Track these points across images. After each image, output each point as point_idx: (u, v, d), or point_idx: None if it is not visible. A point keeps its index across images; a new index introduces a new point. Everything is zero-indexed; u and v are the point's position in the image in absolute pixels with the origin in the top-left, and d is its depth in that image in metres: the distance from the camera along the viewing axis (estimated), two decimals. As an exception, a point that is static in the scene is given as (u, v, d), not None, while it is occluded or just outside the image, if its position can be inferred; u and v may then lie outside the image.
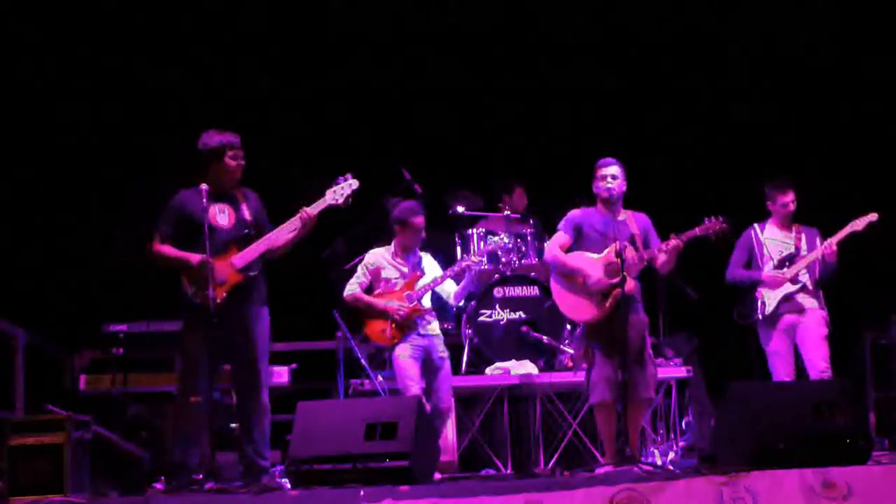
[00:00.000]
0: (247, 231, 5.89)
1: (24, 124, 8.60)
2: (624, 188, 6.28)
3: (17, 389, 7.14)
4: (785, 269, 6.94)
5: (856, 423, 5.39)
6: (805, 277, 6.96)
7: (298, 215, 5.87)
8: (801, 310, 6.93)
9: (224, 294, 5.72)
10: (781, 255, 7.00)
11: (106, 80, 8.81)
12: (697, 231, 6.10)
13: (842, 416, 5.32)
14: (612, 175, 6.25)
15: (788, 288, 6.92)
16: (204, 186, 5.79)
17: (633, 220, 6.30)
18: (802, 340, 6.91)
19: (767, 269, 6.99)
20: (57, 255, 8.53)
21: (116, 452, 6.51)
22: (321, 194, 5.93)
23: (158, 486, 6.05)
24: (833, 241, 6.84)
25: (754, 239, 7.11)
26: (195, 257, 5.75)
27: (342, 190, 5.93)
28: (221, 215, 5.90)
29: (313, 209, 5.88)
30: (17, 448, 5.70)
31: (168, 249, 5.87)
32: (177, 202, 5.94)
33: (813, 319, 6.91)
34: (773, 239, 7.09)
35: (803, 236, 7.04)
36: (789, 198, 7.05)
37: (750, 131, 9.25)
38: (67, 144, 8.73)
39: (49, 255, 8.53)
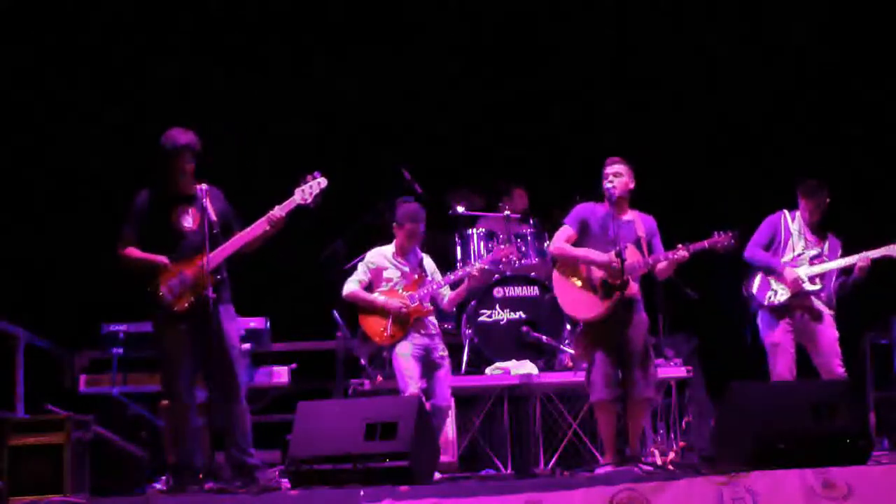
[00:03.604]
0: (214, 231, 5.79)
1: (25, 123, 8.59)
2: (630, 186, 6.24)
3: (17, 389, 7.14)
4: (810, 267, 6.78)
5: (856, 423, 5.40)
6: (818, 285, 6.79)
7: (266, 217, 5.80)
8: (810, 308, 6.79)
9: (194, 297, 5.70)
10: (806, 252, 6.82)
11: (106, 80, 8.81)
12: (706, 244, 6.09)
13: (842, 417, 5.32)
14: (613, 173, 6.20)
15: (808, 287, 6.75)
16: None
17: (641, 222, 6.27)
18: (817, 340, 6.76)
19: (786, 260, 6.82)
20: (57, 255, 8.52)
21: (116, 452, 6.51)
22: (290, 193, 5.85)
23: (158, 485, 6.05)
24: (870, 255, 6.66)
25: (783, 224, 6.91)
26: (165, 260, 5.75)
27: (310, 189, 5.83)
28: (186, 217, 5.85)
29: (281, 210, 5.80)
30: (17, 448, 5.69)
31: (135, 252, 5.82)
32: (139, 205, 5.88)
33: (826, 320, 6.78)
34: (800, 233, 6.88)
35: (827, 243, 6.87)
36: (818, 202, 6.82)
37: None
38: (68, 144, 8.72)
39: (49, 254, 8.52)
